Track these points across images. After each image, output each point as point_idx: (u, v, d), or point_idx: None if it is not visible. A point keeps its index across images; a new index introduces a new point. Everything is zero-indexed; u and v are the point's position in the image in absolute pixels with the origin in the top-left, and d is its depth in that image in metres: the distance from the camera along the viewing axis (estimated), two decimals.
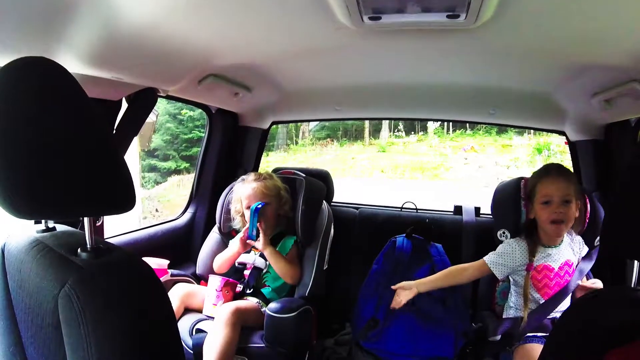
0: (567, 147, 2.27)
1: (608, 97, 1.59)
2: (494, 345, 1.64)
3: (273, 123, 2.56)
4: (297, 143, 14.13)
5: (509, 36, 1.30)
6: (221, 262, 1.97)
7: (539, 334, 1.57)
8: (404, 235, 2.10)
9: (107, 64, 1.24)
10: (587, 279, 1.68)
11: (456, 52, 1.54)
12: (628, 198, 0.73)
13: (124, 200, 0.76)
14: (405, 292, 1.71)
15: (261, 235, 1.86)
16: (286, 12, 1.20)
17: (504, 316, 1.73)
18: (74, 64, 1.14)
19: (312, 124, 13.74)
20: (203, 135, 2.42)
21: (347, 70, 1.87)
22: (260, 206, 1.87)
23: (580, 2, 1.03)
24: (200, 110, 2.29)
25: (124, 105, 1.55)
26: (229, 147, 2.38)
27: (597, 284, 1.61)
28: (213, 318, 1.70)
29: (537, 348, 1.50)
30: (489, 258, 1.70)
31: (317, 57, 1.67)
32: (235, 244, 1.95)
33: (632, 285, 0.85)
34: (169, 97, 1.75)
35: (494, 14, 1.11)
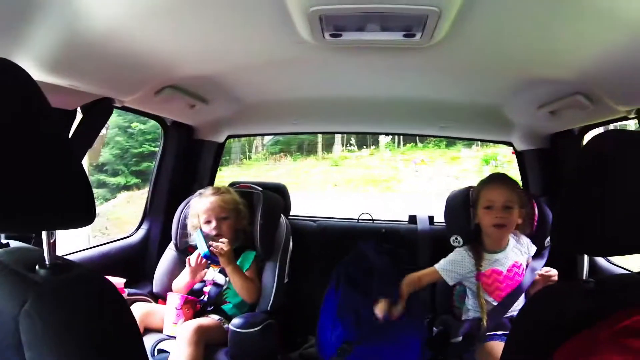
0: (513, 157, 2.41)
1: (553, 108, 1.70)
2: (457, 347, 1.69)
3: (229, 136, 2.53)
4: (250, 158, 14.01)
5: (461, 54, 1.37)
6: (180, 287, 1.89)
7: (499, 332, 1.64)
8: (371, 247, 2.12)
9: (66, 71, 1.19)
10: None
11: (411, 68, 1.60)
12: (575, 199, 0.79)
13: (84, 213, 0.72)
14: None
15: (225, 252, 1.79)
16: (249, 25, 1.20)
17: (463, 318, 1.80)
18: (31, 69, 1.08)
19: (266, 138, 13.69)
20: (153, 149, 2.36)
21: (306, 84, 1.88)
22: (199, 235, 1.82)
23: (529, 22, 1.10)
24: (151, 123, 2.24)
25: (78, 115, 1.47)
26: (184, 160, 2.32)
27: (552, 271, 1.70)
28: (174, 337, 1.64)
29: (497, 345, 1.56)
30: (439, 265, 1.78)
31: (277, 71, 1.68)
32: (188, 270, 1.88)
33: (584, 278, 0.92)
34: (124, 109, 1.68)
35: (447, 34, 1.16)
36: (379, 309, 1.72)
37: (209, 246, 1.78)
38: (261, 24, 1.19)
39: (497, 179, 1.75)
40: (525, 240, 1.79)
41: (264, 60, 1.53)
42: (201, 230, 1.83)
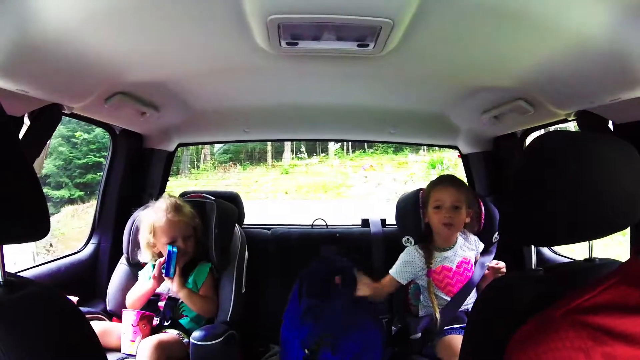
0: (458, 161, 2.52)
1: (497, 113, 1.81)
2: (417, 343, 1.75)
3: (179, 145, 2.46)
4: (198, 167, 13.68)
5: (411, 63, 1.44)
6: (135, 299, 1.80)
7: (456, 326, 1.73)
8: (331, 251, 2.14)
9: (15, 74, 1.12)
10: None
11: (364, 76, 1.65)
12: (522, 195, 0.86)
13: (38, 226, 0.69)
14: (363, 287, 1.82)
15: (176, 278, 1.74)
16: (205, 31, 1.20)
17: (419, 314, 1.86)
18: None
19: (215, 147, 13.43)
20: (98, 160, 2.25)
21: (260, 92, 1.88)
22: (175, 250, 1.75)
23: (474, 33, 1.18)
24: (95, 132, 2.14)
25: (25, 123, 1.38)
26: (133, 170, 2.23)
27: (500, 264, 1.81)
28: (134, 356, 1.57)
29: (455, 338, 1.64)
30: (393, 270, 1.84)
31: (231, 78, 1.67)
32: (147, 279, 1.80)
33: (533, 267, 0.99)
34: (73, 116, 1.59)
35: (398, 44, 1.22)
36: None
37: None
38: (217, 30, 1.19)
39: (446, 181, 1.83)
40: (473, 238, 1.89)
41: (218, 66, 1.52)
42: (173, 252, 1.75)
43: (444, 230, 1.78)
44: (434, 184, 1.85)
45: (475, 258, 1.86)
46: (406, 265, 1.82)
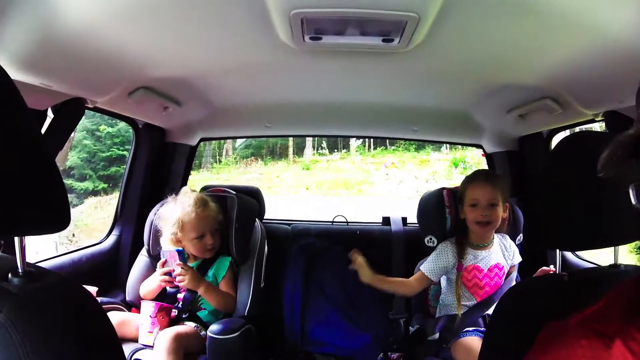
0: (481, 159, 2.47)
1: (522, 112, 1.77)
2: (434, 344, 1.71)
3: (202, 139, 2.48)
4: (220, 162, 13.82)
5: (436, 59, 1.41)
6: (147, 291, 1.84)
7: (471, 328, 1.68)
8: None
9: (39, 69, 1.14)
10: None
11: (388, 73, 1.62)
12: (548, 198, 0.83)
13: (59, 217, 0.69)
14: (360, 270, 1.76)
15: (190, 275, 1.74)
16: (227, 26, 1.20)
17: (437, 316, 1.81)
18: (4, 67, 1.04)
19: (237, 142, 13.55)
20: (121, 153, 2.28)
21: (282, 87, 1.88)
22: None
23: (501, 29, 1.15)
24: (119, 126, 2.18)
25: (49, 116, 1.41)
26: (156, 164, 2.26)
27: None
28: (150, 346, 1.59)
29: (471, 340, 1.61)
30: (425, 267, 1.77)
31: (253, 73, 1.67)
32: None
33: (557, 272, 0.96)
34: (96, 109, 1.62)
35: (424, 39, 1.20)
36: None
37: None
38: (240, 26, 1.19)
39: (482, 176, 1.75)
40: (513, 248, 1.80)
41: (241, 62, 1.52)
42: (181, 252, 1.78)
43: (478, 228, 1.71)
44: (469, 180, 1.77)
45: (509, 269, 1.78)
46: (439, 258, 1.76)
